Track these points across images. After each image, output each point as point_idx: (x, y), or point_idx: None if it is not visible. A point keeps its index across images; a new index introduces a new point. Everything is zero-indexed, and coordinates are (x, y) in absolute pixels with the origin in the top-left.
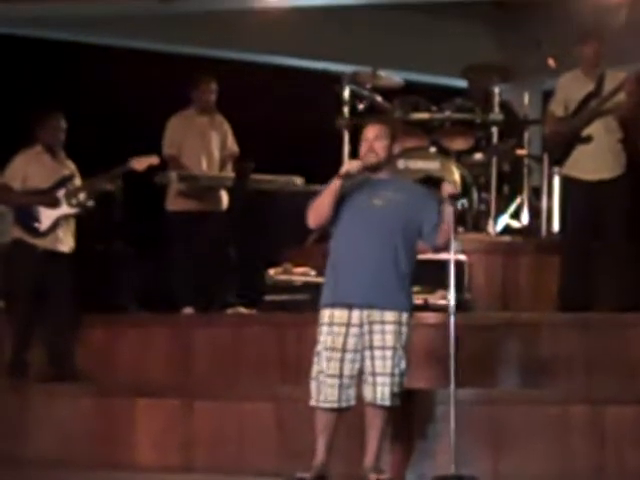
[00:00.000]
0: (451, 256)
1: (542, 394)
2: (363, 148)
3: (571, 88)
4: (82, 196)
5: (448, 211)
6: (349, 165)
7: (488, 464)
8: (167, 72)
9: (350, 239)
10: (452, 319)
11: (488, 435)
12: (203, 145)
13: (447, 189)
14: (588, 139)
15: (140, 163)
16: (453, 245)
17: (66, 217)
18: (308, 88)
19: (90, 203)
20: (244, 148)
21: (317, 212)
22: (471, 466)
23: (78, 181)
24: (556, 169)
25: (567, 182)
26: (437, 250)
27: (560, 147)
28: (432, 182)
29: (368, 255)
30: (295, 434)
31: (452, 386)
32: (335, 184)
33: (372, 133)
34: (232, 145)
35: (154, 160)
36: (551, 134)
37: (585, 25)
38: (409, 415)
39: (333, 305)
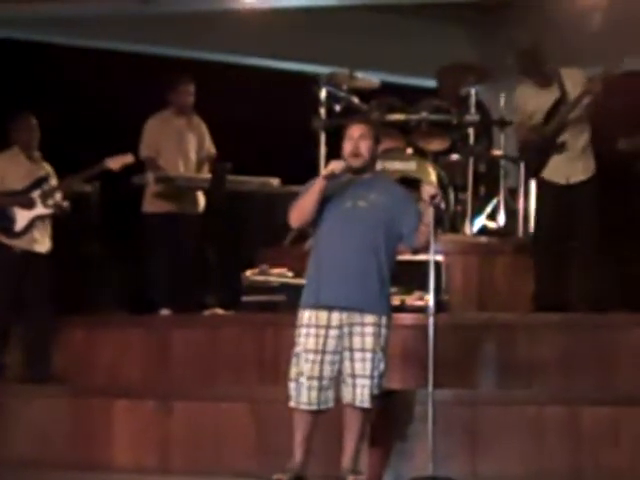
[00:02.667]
0: (431, 257)
1: (519, 394)
2: (347, 147)
3: (533, 98)
4: (58, 196)
5: (428, 212)
6: (333, 165)
7: (466, 464)
8: (145, 73)
9: (333, 240)
10: (431, 320)
11: (466, 435)
12: (180, 147)
13: (428, 190)
14: (562, 146)
15: (115, 162)
16: (432, 246)
17: (42, 218)
18: (285, 89)
19: (66, 204)
20: (221, 149)
21: (300, 212)
22: (449, 466)
23: (54, 182)
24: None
25: (540, 184)
26: (416, 251)
27: (536, 156)
28: (408, 183)
29: (351, 257)
30: (273, 435)
31: (430, 387)
32: (319, 184)
33: (357, 132)
34: (209, 147)
35: (129, 159)
36: (525, 144)
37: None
38: (387, 416)
39: (313, 306)
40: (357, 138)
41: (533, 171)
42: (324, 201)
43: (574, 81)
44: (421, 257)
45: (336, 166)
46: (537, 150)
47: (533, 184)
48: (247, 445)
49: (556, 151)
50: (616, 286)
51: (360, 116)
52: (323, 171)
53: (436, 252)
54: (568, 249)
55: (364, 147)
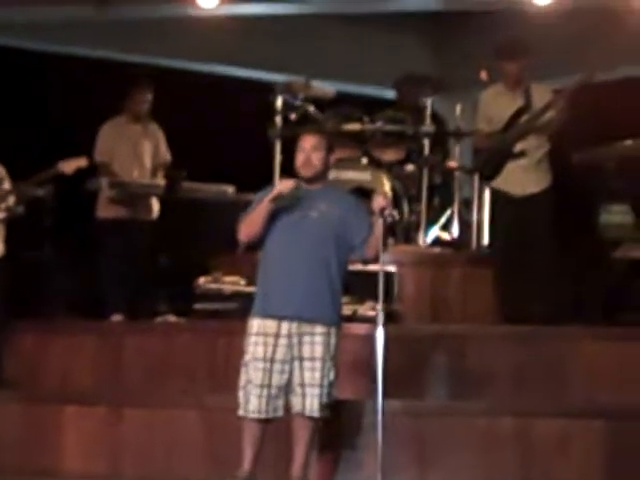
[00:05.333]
0: (380, 268)
1: (469, 406)
2: (299, 158)
3: (496, 104)
4: (11, 200)
5: (379, 224)
6: (281, 186)
7: (415, 475)
8: (101, 79)
9: (283, 250)
10: (381, 330)
11: (415, 446)
12: (135, 153)
13: (379, 202)
14: (521, 154)
15: (68, 166)
16: (382, 257)
17: None
18: (241, 97)
19: (20, 208)
20: (176, 156)
21: (248, 229)
22: (398, 477)
23: (7, 185)
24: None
25: (495, 196)
26: (366, 262)
27: (491, 163)
28: (363, 193)
29: (301, 267)
30: (223, 443)
31: (379, 397)
32: (266, 206)
33: (309, 143)
34: (165, 153)
35: (82, 162)
36: (480, 150)
37: (509, 40)
38: (337, 425)
39: (263, 316)
40: (309, 149)
41: (486, 178)
42: (275, 211)
43: (541, 95)
44: (373, 267)
45: (283, 187)
46: (492, 157)
47: (487, 195)
48: (197, 452)
49: (513, 158)
50: (569, 299)
51: (312, 127)
52: (270, 193)
53: (386, 263)
54: (524, 261)
55: (316, 158)
